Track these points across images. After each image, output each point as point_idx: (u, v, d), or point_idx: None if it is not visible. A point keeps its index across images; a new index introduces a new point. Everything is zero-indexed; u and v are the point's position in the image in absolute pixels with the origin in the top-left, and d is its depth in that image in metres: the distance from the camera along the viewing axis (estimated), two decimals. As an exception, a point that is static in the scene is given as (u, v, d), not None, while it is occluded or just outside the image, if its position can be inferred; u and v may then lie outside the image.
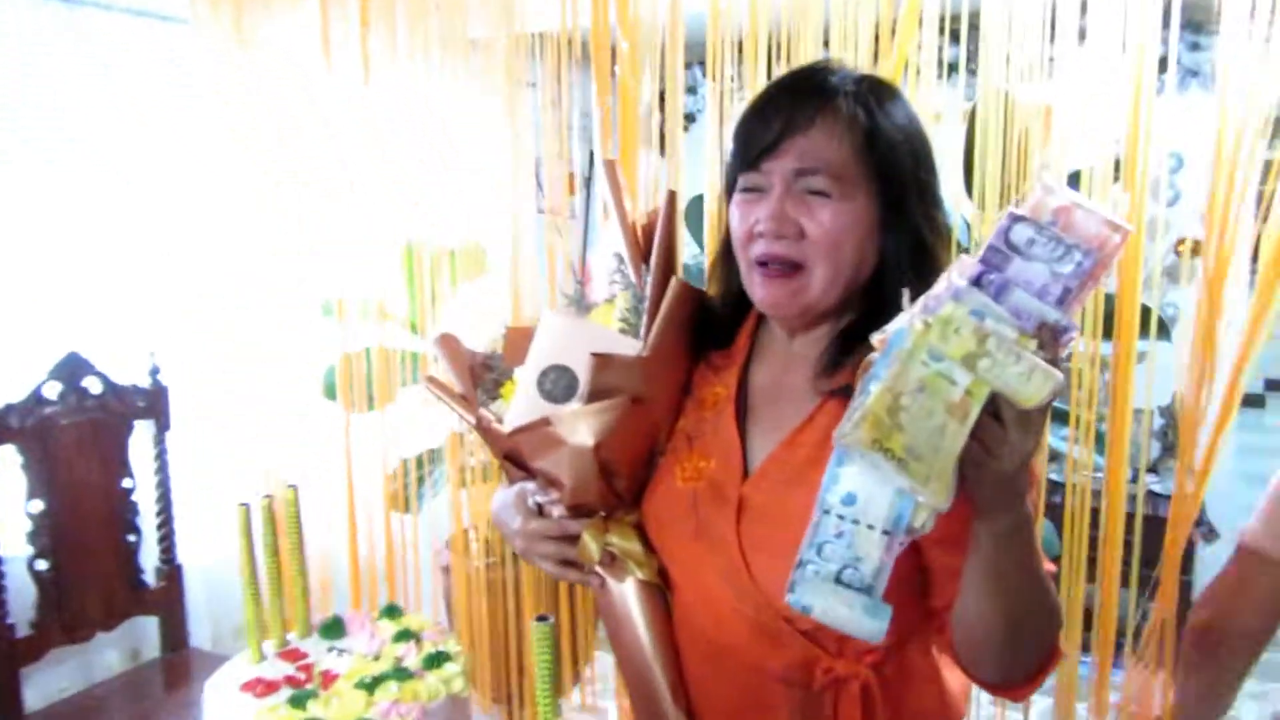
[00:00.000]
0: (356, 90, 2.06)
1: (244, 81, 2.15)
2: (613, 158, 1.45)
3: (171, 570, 2.30)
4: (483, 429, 1.13)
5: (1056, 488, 2.11)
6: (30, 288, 2.18)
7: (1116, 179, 1.64)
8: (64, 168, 2.21)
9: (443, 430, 2.43)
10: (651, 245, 1.16)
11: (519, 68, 2.16)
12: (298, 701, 0.92)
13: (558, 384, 1.07)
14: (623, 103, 1.85)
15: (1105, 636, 1.87)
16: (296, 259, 2.26)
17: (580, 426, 1.03)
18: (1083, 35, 1.60)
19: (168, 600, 2.30)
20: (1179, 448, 1.89)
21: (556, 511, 1.10)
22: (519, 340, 1.22)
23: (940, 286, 0.76)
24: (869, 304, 1.02)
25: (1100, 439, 1.91)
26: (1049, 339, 0.72)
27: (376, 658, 1.02)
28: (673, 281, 1.09)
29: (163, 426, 2.27)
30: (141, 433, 2.25)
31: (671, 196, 1.15)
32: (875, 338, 0.78)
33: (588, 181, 3.38)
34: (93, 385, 2.17)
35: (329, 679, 0.99)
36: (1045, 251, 0.72)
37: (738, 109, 1.98)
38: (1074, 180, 1.61)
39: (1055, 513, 2.00)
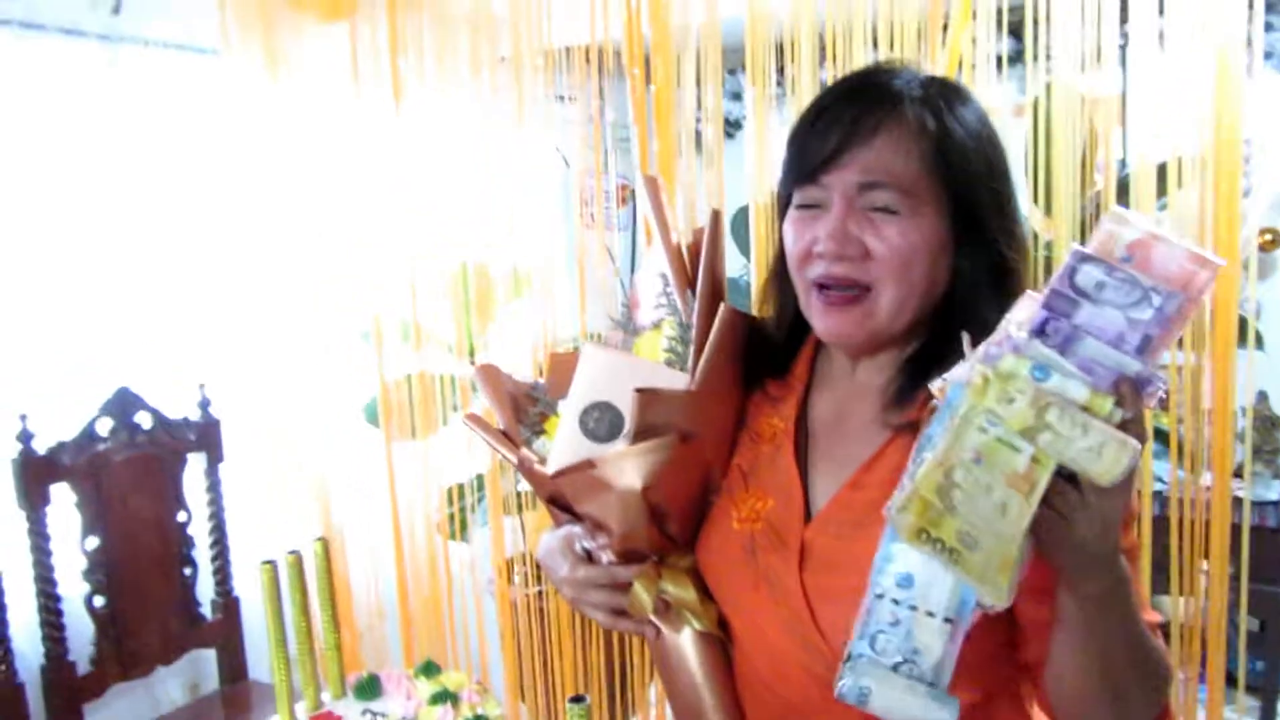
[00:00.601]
0: (389, 115, 2.03)
1: (277, 109, 2.14)
2: (653, 174, 1.39)
3: (228, 602, 2.30)
4: (525, 470, 1.06)
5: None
6: (78, 324, 2.20)
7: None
8: (110, 206, 2.23)
9: (489, 456, 2.39)
10: (697, 268, 1.08)
11: (550, 82, 2.11)
12: (328, 772, 0.87)
13: (601, 422, 0.99)
14: (658, 113, 1.79)
15: (1214, 663, 1.73)
16: (340, 285, 2.24)
17: (627, 468, 0.95)
18: (1160, 10, 1.48)
19: (225, 632, 2.30)
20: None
21: (605, 557, 1.02)
22: (562, 367, 1.13)
23: (1002, 332, 0.67)
24: (941, 326, 0.92)
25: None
26: (1130, 394, 0.63)
27: (412, 722, 0.97)
28: (721, 308, 1.00)
29: (215, 459, 2.27)
30: (194, 465, 2.25)
31: (716, 216, 1.07)
32: (935, 385, 0.70)
33: (633, 194, 3.33)
34: (144, 420, 2.18)
35: (361, 745, 0.94)
36: (1119, 296, 0.62)
37: (784, 114, 1.92)
38: (1161, 175, 1.49)
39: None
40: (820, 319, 0.94)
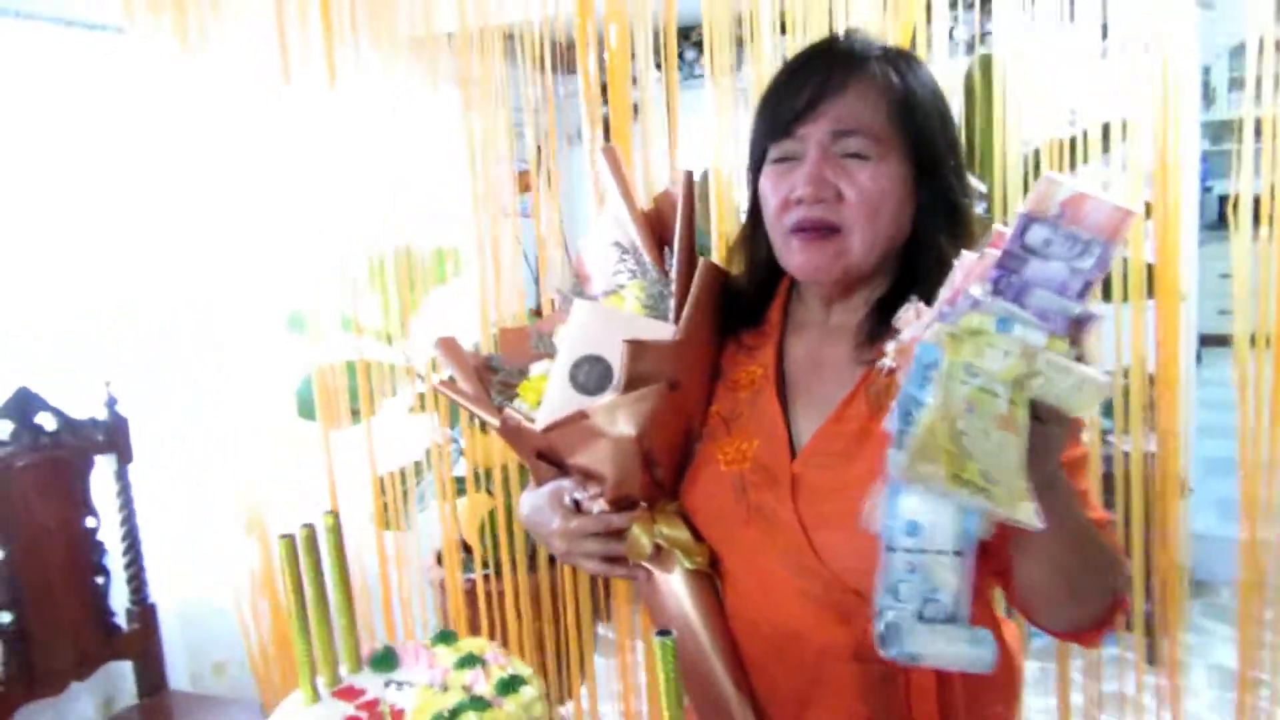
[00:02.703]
0: (315, 96, 1.96)
1: (189, 91, 2.04)
2: (611, 145, 1.41)
3: (144, 610, 2.18)
4: (509, 429, 1.09)
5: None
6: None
7: (1106, 149, 1.66)
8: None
9: (422, 443, 2.35)
10: (660, 230, 1.14)
11: (456, 66, 2.09)
12: (376, 744, 0.85)
13: (591, 375, 1.03)
14: (611, 81, 1.80)
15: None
16: (255, 274, 2.15)
17: (620, 417, 0.99)
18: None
19: (142, 642, 2.18)
20: (1157, 408, 1.92)
21: (596, 507, 1.06)
22: (515, 340, 1.20)
23: (950, 290, 0.74)
24: (903, 269, 1.01)
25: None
26: (1079, 334, 0.71)
27: (445, 688, 0.95)
28: (701, 262, 1.06)
29: (125, 460, 2.15)
30: (102, 468, 2.12)
31: (689, 177, 1.12)
32: (890, 347, 0.77)
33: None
34: (47, 421, 2.05)
35: (396, 716, 0.92)
36: (1063, 249, 0.70)
37: (690, 97, 1.97)
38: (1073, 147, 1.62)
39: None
40: (797, 257, 1.00)
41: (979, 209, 1.91)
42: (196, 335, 2.19)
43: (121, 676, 2.21)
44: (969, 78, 1.66)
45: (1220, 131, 4.99)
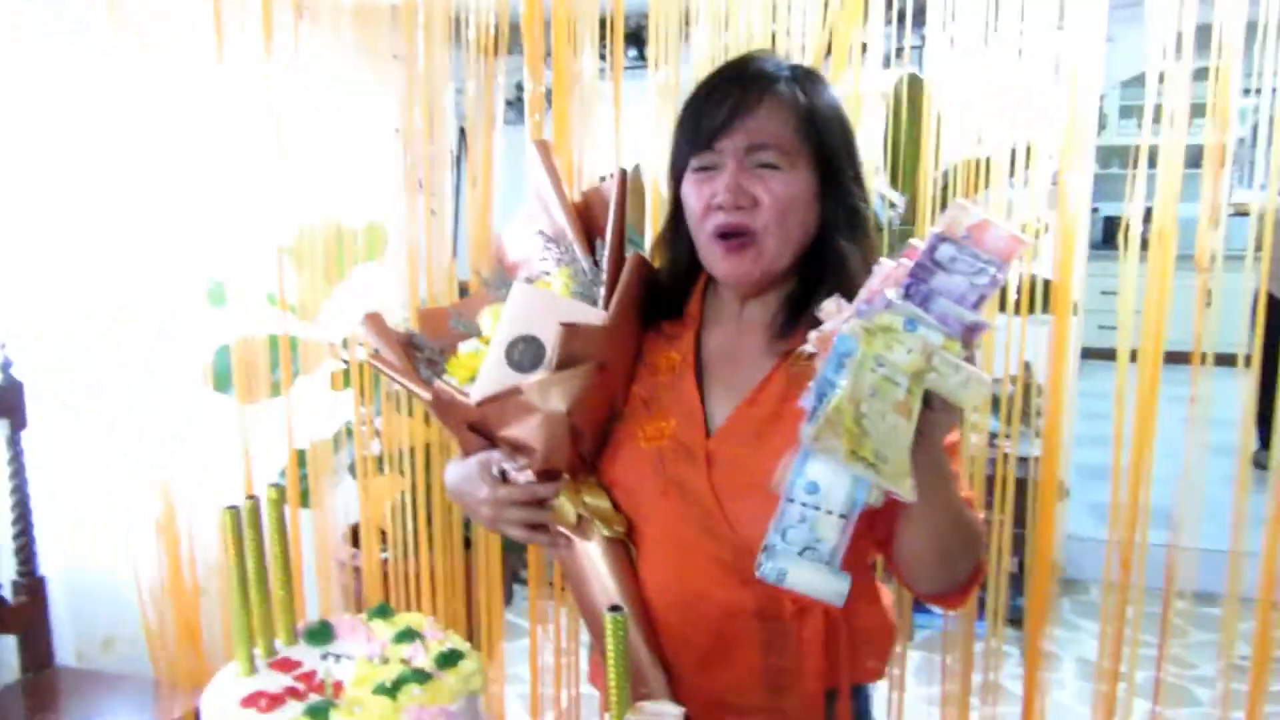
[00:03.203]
0: (250, 65, 1.91)
1: (116, 55, 1.96)
2: (544, 138, 1.46)
3: (32, 583, 2.10)
4: (441, 402, 1.14)
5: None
6: None
7: (1012, 170, 1.78)
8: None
9: (335, 421, 2.32)
10: (588, 222, 1.23)
11: (390, 41, 2.09)
12: (317, 713, 0.86)
13: (526, 354, 1.10)
14: (556, 75, 1.82)
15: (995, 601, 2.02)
16: (176, 243, 2.09)
17: (553, 393, 1.07)
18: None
19: (29, 616, 2.10)
20: (1045, 413, 2.05)
21: (524, 478, 1.13)
22: (434, 319, 1.27)
23: (868, 292, 0.86)
24: (810, 269, 1.13)
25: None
26: (970, 339, 0.84)
27: (385, 661, 0.97)
28: (632, 254, 1.15)
29: (18, 425, 2.06)
30: (-6, 433, 2.03)
31: (624, 174, 1.20)
32: (813, 335, 0.87)
33: (458, 160, 3.31)
34: (-65, 382, 1.94)
35: (336, 688, 0.93)
36: (965, 267, 0.82)
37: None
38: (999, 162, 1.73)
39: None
40: (722, 264, 1.11)
41: (894, 219, 2.02)
42: (107, 301, 2.11)
43: (5, 650, 2.11)
44: (895, 96, 1.75)
45: (1108, 156, 5.30)
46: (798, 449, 0.86)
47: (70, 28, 1.98)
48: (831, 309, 0.88)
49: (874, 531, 1.09)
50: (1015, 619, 2.27)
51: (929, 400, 0.83)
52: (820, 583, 0.87)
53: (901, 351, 0.81)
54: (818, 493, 0.85)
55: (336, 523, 2.31)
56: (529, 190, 1.30)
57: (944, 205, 1.89)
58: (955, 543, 1.04)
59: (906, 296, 0.83)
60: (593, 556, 1.13)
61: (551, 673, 2.25)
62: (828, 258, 1.11)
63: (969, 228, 0.83)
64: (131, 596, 2.23)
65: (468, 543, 2.30)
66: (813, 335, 0.87)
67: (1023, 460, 2.99)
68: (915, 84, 1.71)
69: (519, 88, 2.12)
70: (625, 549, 1.14)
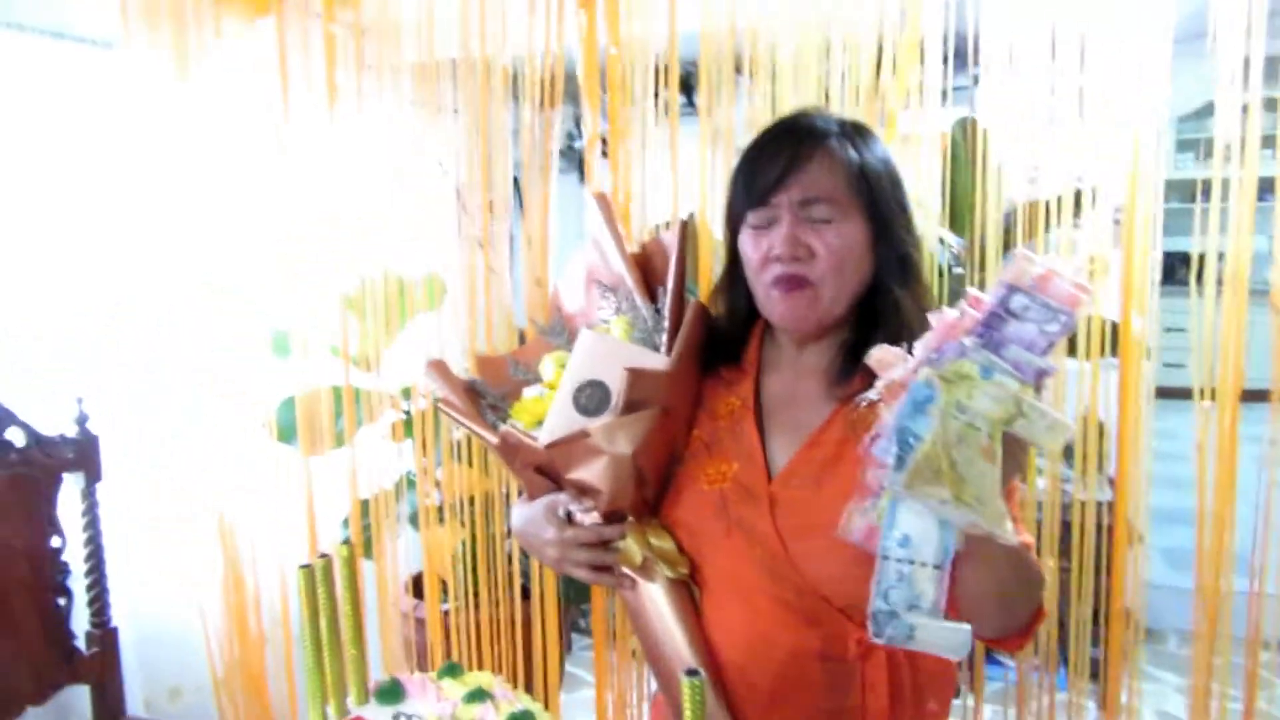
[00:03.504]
0: (314, 118, 1.97)
1: (181, 110, 2.04)
2: (601, 191, 1.50)
3: (105, 634, 2.13)
4: (508, 445, 1.17)
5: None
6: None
7: (1077, 211, 1.75)
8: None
9: (393, 472, 2.34)
10: (646, 271, 1.27)
11: (454, 94, 2.13)
12: (392, 774, 0.86)
13: (592, 398, 1.13)
14: (612, 127, 1.85)
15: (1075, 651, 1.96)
16: (241, 294, 2.14)
17: (619, 436, 1.10)
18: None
19: (101, 667, 2.13)
20: (1115, 459, 1.99)
21: (589, 519, 1.16)
22: (493, 368, 1.32)
23: (935, 340, 0.87)
24: (866, 316, 1.16)
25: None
26: (1039, 383, 0.86)
27: (456, 722, 0.97)
28: (692, 302, 1.21)
29: (93, 479, 2.11)
30: (70, 486, 2.08)
31: (684, 225, 1.25)
32: (880, 384, 0.88)
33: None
34: (16, 437, 2.01)
35: (409, 748, 0.93)
36: (1037, 315, 0.84)
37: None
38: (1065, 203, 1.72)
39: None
40: (779, 308, 1.15)
41: (955, 266, 1.99)
42: (176, 354, 2.17)
43: (79, 700, 2.15)
44: (952, 140, 1.74)
45: (1168, 192, 5.15)
46: (863, 496, 0.88)
47: (142, 70, 2.05)
48: (882, 357, 0.90)
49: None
50: (1092, 671, 2.20)
51: (1006, 445, 0.85)
52: (943, 636, 0.87)
53: (983, 398, 0.83)
54: (910, 545, 0.85)
55: (397, 574, 2.32)
56: (586, 240, 1.34)
57: (1006, 246, 1.87)
58: (1016, 584, 1.04)
59: (981, 345, 0.85)
60: (656, 599, 1.15)
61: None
62: (882, 304, 1.14)
63: (1035, 279, 0.85)
64: (198, 646, 2.26)
65: (525, 593, 2.29)
66: (880, 383, 0.88)
67: (1098, 505, 2.91)
68: (970, 127, 1.70)
69: (569, 137, 2.16)
70: (689, 591, 1.16)
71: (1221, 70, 1.62)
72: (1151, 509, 3.28)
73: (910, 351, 0.88)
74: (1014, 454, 0.86)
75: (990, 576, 1.01)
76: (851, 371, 1.13)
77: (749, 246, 1.15)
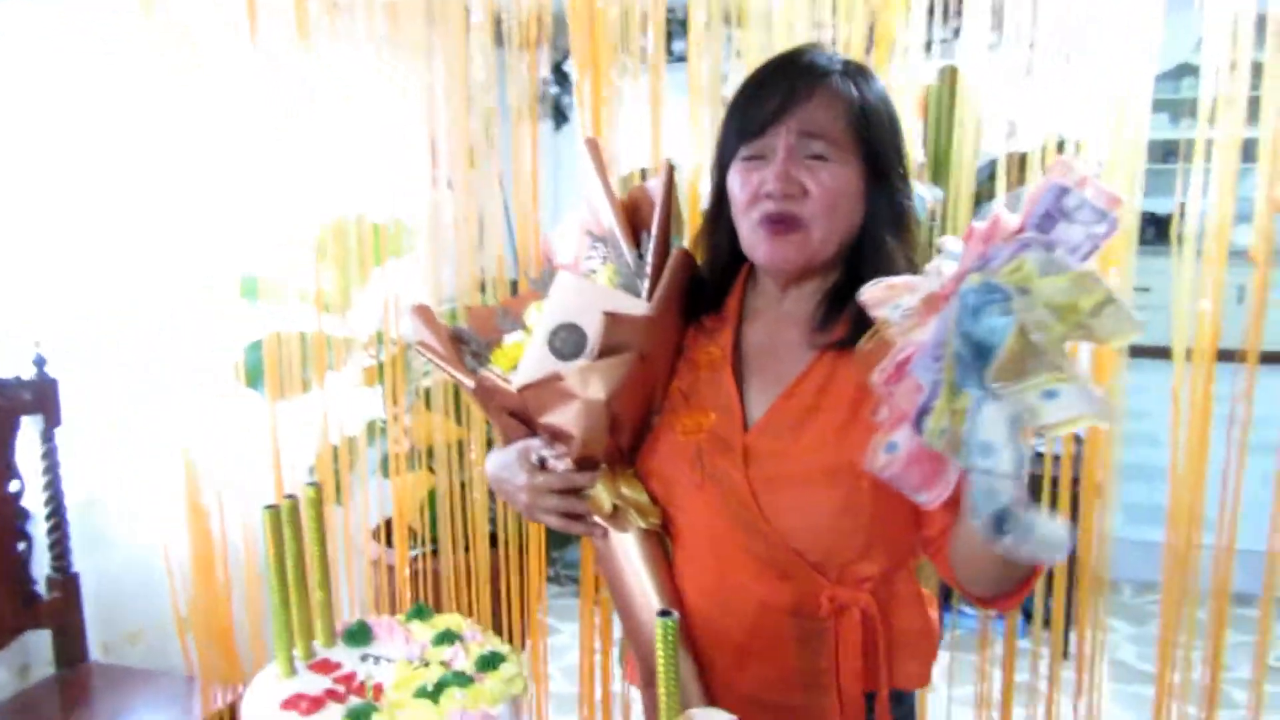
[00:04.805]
0: (281, 54, 1.90)
1: (145, 46, 1.96)
2: (592, 137, 1.45)
3: (66, 579, 2.11)
4: (484, 389, 1.16)
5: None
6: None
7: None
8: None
9: (361, 418, 2.32)
10: (634, 218, 1.23)
11: (429, 35, 2.07)
12: (358, 717, 0.85)
13: (567, 342, 1.11)
14: (594, 66, 1.80)
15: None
16: (208, 237, 2.09)
17: (593, 380, 1.08)
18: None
19: (63, 612, 2.10)
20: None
21: (561, 465, 1.14)
22: (482, 317, 1.28)
23: (972, 250, 0.83)
24: (854, 262, 1.11)
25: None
26: None
27: (424, 664, 0.95)
28: (675, 247, 1.17)
29: (52, 423, 2.07)
30: (28, 430, 2.03)
31: (670, 168, 1.21)
32: (906, 300, 0.85)
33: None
34: (-29, 378, 1.95)
35: (376, 690, 0.92)
36: (1086, 216, 0.80)
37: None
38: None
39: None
40: (764, 247, 1.09)
41: (928, 214, 1.98)
42: (138, 296, 2.12)
43: (41, 646, 2.12)
44: (935, 89, 1.72)
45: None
46: (891, 427, 0.85)
47: (102, 17, 1.97)
48: (877, 293, 0.88)
49: (923, 530, 1.08)
50: (1045, 619, 2.23)
51: None
52: (1052, 532, 0.82)
53: (1060, 289, 0.78)
54: (992, 455, 0.80)
55: (365, 521, 2.30)
56: (580, 191, 1.30)
57: (979, 200, 1.85)
58: None
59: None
60: (628, 548, 1.14)
61: (583, 671, 2.23)
62: (871, 252, 1.10)
63: (1077, 181, 0.81)
64: (157, 590, 2.23)
65: (493, 540, 2.28)
66: (906, 300, 0.85)
67: (1058, 459, 2.93)
68: (952, 76, 1.67)
69: (544, 83, 2.11)
70: (661, 542, 1.16)
71: (1209, 30, 1.60)
72: (1113, 464, 3.36)
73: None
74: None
75: None
76: (834, 319, 1.10)
77: (738, 182, 1.10)
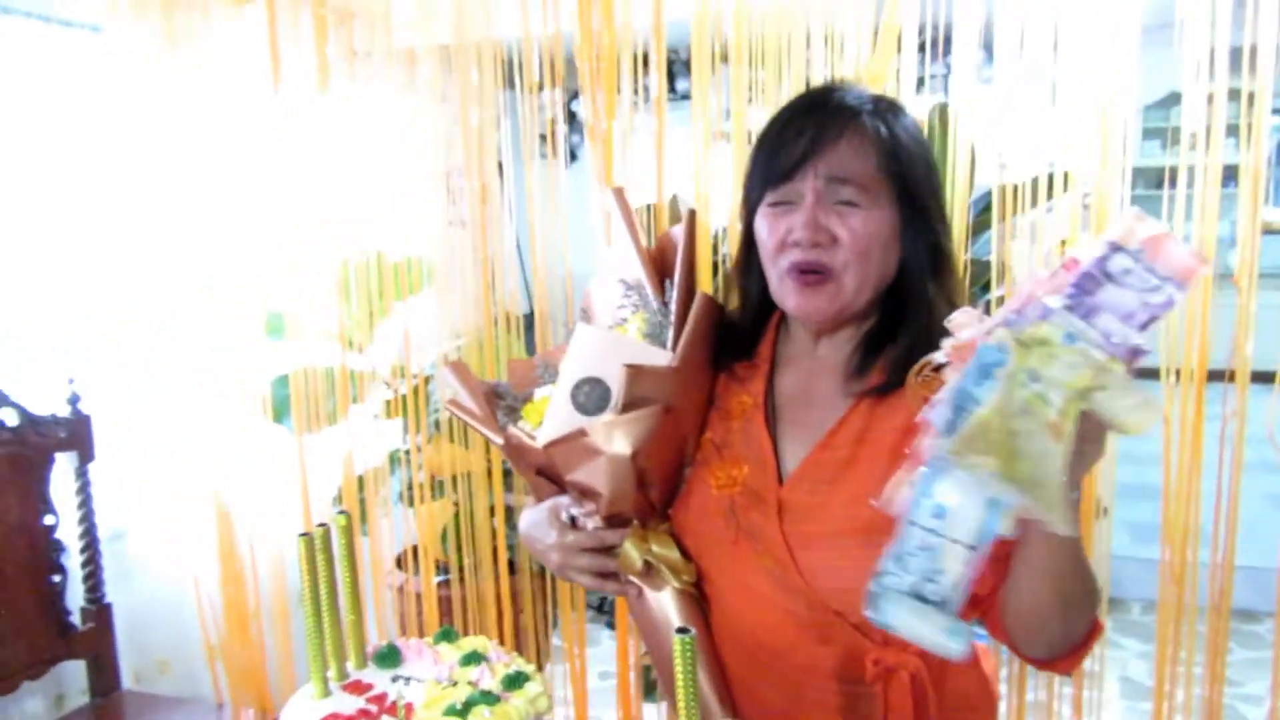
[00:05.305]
0: (304, 100, 1.99)
1: (169, 92, 2.05)
2: (619, 186, 1.47)
3: (100, 610, 2.17)
4: (512, 446, 1.14)
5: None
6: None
7: (1050, 194, 1.80)
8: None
9: (381, 450, 2.38)
10: (662, 266, 1.21)
11: (445, 79, 2.15)
12: (392, 734, 0.91)
13: (591, 396, 1.09)
14: (608, 111, 1.87)
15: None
16: (233, 275, 2.17)
17: (616, 435, 1.05)
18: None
19: (96, 642, 2.17)
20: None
21: (591, 524, 1.12)
22: (522, 370, 1.26)
23: (1018, 300, 0.77)
24: (889, 308, 1.07)
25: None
26: (1130, 362, 0.74)
27: (453, 684, 1.01)
28: (699, 294, 1.12)
29: (86, 458, 2.14)
30: (63, 466, 2.11)
31: (693, 215, 1.19)
32: (948, 344, 0.80)
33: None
34: (8, 417, 2.03)
35: (408, 710, 0.97)
36: (1139, 282, 0.73)
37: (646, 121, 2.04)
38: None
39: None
40: (793, 299, 1.05)
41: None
42: (164, 334, 2.19)
43: (75, 676, 2.19)
44: (928, 126, 1.79)
45: (1134, 178, 5.17)
46: (928, 465, 0.78)
47: (131, 53, 2.05)
48: (963, 320, 0.80)
49: (975, 587, 1.01)
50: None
51: (1081, 425, 0.73)
52: (933, 636, 0.78)
53: (1064, 366, 0.72)
54: (944, 517, 0.76)
55: (387, 549, 2.36)
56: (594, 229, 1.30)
57: (974, 231, 1.91)
58: (1076, 590, 0.92)
59: (1068, 308, 0.74)
60: (665, 608, 1.11)
61: (598, 695, 2.28)
62: (909, 297, 1.05)
63: (1144, 240, 0.73)
64: (187, 620, 2.30)
65: (513, 567, 2.34)
66: (948, 343, 0.79)
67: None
68: (945, 113, 1.75)
69: (551, 124, 2.18)
70: (697, 602, 1.11)
71: (1187, 61, 1.67)
72: (1116, 483, 3.38)
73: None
74: (1091, 438, 0.74)
75: (1050, 584, 0.90)
76: (870, 365, 1.06)
77: (764, 229, 1.06)
